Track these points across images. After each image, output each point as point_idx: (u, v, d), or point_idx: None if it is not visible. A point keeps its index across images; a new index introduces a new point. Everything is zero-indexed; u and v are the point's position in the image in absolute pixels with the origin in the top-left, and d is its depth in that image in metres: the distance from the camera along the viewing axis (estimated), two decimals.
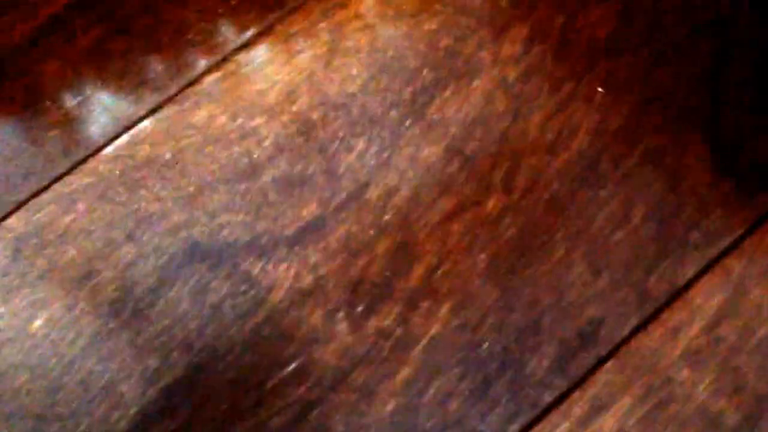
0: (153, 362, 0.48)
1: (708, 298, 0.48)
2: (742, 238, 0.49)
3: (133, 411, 0.47)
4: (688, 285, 0.49)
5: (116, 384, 0.48)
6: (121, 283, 0.50)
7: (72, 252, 0.51)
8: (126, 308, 0.50)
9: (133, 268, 0.51)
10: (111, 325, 0.50)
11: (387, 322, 0.49)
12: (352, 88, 0.54)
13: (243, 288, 0.50)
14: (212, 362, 0.48)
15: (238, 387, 0.48)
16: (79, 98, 0.55)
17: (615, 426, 0.46)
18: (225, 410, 0.47)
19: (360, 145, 0.53)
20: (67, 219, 0.52)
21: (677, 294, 0.48)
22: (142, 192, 0.53)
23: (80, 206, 0.52)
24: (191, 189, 0.53)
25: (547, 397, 0.46)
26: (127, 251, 0.51)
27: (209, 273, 0.50)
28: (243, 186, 0.52)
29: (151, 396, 0.48)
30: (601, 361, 0.47)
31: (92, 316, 0.50)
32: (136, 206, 0.52)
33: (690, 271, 0.49)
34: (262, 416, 0.47)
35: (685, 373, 0.47)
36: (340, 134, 0.53)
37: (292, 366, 0.48)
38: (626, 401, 0.46)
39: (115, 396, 0.48)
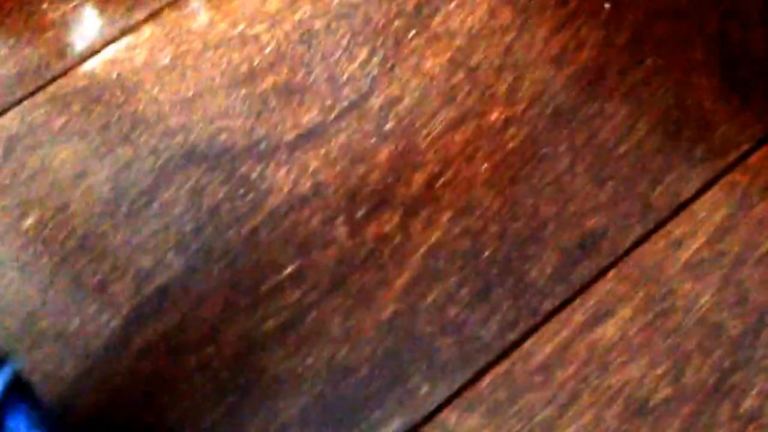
0: (147, 262, 0.45)
1: (712, 211, 0.45)
2: (747, 154, 0.46)
3: (125, 310, 0.44)
4: (693, 198, 0.45)
5: (109, 283, 0.44)
6: (116, 184, 0.46)
7: (65, 153, 0.47)
8: (120, 209, 0.46)
9: (129, 170, 0.47)
10: (104, 226, 0.46)
11: (387, 229, 0.45)
12: None
13: (241, 191, 0.46)
14: (207, 264, 0.45)
15: (233, 289, 0.44)
16: (77, 1, 0.51)
17: (616, 335, 0.42)
18: (218, 312, 0.44)
19: (363, 54, 0.49)
20: (62, 120, 0.48)
21: (681, 207, 0.45)
22: (140, 95, 0.49)
23: (75, 108, 0.48)
24: (189, 93, 0.49)
25: (548, 305, 0.43)
26: (123, 153, 0.47)
27: (206, 176, 0.46)
28: (243, 91, 0.49)
29: (143, 296, 0.44)
30: (603, 271, 0.44)
31: (85, 216, 0.46)
32: (132, 109, 0.48)
33: (694, 185, 0.45)
34: (257, 318, 0.43)
35: (687, 285, 0.43)
36: (343, 43, 0.50)
37: (289, 269, 0.44)
38: (627, 311, 0.43)
39: (107, 295, 0.44)
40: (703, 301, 0.43)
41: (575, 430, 0.40)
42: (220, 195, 0.46)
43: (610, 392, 0.41)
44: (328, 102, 0.48)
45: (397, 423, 0.41)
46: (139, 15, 0.51)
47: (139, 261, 0.45)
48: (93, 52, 0.50)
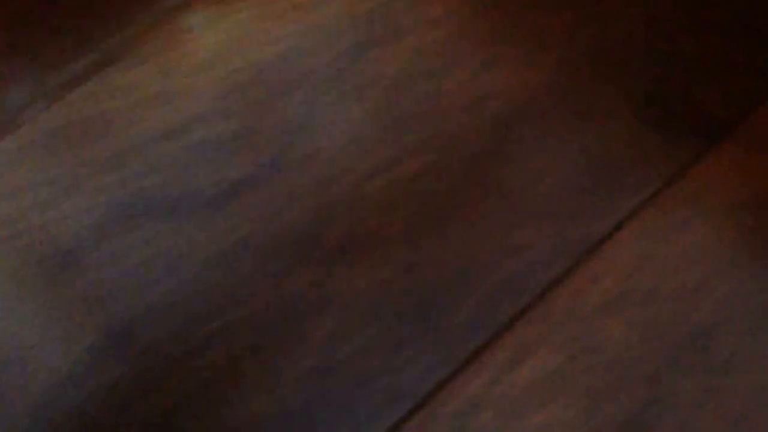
0: (78, 320, 0.45)
1: (625, 249, 0.45)
2: (657, 193, 0.46)
3: (64, 370, 0.44)
4: (606, 237, 0.45)
5: (46, 342, 0.45)
6: (46, 246, 0.47)
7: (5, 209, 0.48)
8: (51, 269, 0.46)
9: (58, 230, 0.47)
10: (38, 285, 0.46)
11: (307, 281, 0.45)
12: (282, 48, 0.51)
13: (170, 245, 0.46)
14: (145, 319, 0.45)
15: (166, 343, 0.44)
16: (11, 60, 0.51)
17: (534, 376, 0.42)
18: (160, 364, 0.44)
19: (291, 104, 0.49)
20: None
21: (595, 246, 0.45)
22: (72, 151, 0.49)
23: (4, 170, 0.49)
24: (120, 149, 0.49)
25: (467, 350, 0.43)
26: (51, 214, 0.47)
27: (139, 231, 0.47)
28: (173, 145, 0.49)
29: (92, 347, 0.44)
30: (521, 313, 0.44)
31: (16, 278, 0.46)
32: (62, 168, 0.49)
33: (608, 224, 0.45)
34: (188, 371, 0.43)
35: (602, 322, 0.43)
36: (270, 93, 0.50)
37: (215, 324, 0.44)
38: (545, 351, 0.43)
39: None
40: (617, 338, 0.43)
41: None
42: (151, 250, 0.46)
43: None
44: (256, 154, 0.48)
45: None
46: (73, 72, 0.51)
47: (72, 319, 0.45)
48: (24, 113, 0.50)
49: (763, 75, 0.49)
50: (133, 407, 0.42)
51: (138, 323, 0.44)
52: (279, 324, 0.43)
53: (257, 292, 0.44)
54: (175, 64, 0.51)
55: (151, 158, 0.48)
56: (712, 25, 0.51)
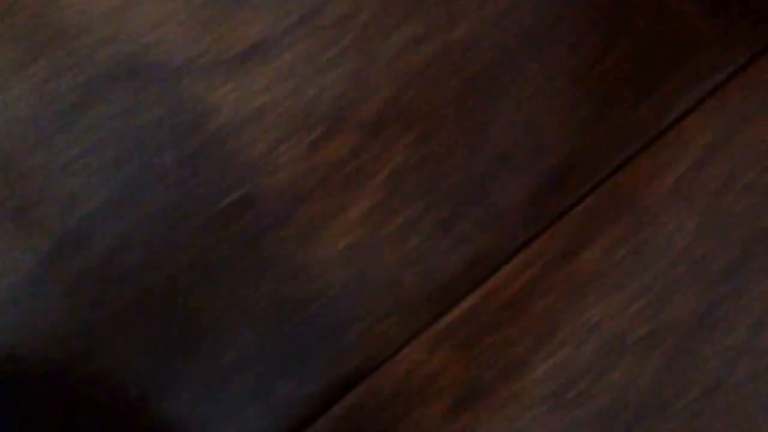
0: (72, 187, 0.39)
1: (697, 135, 0.41)
2: (734, 75, 0.42)
3: (46, 240, 0.38)
4: (677, 121, 0.41)
5: (28, 209, 0.39)
6: (36, 101, 0.41)
7: None
8: (41, 128, 0.40)
9: (49, 86, 0.41)
10: (22, 147, 0.40)
11: (341, 153, 0.40)
12: None
13: (179, 111, 0.41)
14: (143, 189, 0.39)
15: (169, 217, 0.39)
16: None
17: (594, 266, 0.38)
18: (152, 243, 0.38)
19: None
20: None
21: (665, 130, 0.41)
22: (62, 4, 0.43)
23: None
24: (119, 2, 0.43)
25: (519, 236, 0.38)
26: (42, 67, 0.41)
27: (139, 94, 0.41)
28: (180, 0, 0.43)
29: (68, 224, 0.38)
30: (580, 199, 0.39)
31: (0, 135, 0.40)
32: (54, 20, 0.42)
33: (680, 107, 0.41)
34: (196, 250, 0.38)
35: (670, 212, 0.39)
36: None
37: (233, 197, 0.39)
38: (609, 240, 0.39)
39: (26, 223, 0.38)
40: (687, 230, 0.39)
41: (551, 365, 0.36)
42: (155, 115, 0.41)
43: (587, 326, 0.37)
44: (277, 14, 0.43)
45: (356, 360, 0.36)
46: None
47: (63, 185, 0.40)
48: None
49: None
50: (144, 280, 0.37)
51: (145, 189, 0.39)
52: (311, 196, 0.38)
53: (285, 162, 0.39)
54: None
55: (159, 13, 0.43)
56: None
